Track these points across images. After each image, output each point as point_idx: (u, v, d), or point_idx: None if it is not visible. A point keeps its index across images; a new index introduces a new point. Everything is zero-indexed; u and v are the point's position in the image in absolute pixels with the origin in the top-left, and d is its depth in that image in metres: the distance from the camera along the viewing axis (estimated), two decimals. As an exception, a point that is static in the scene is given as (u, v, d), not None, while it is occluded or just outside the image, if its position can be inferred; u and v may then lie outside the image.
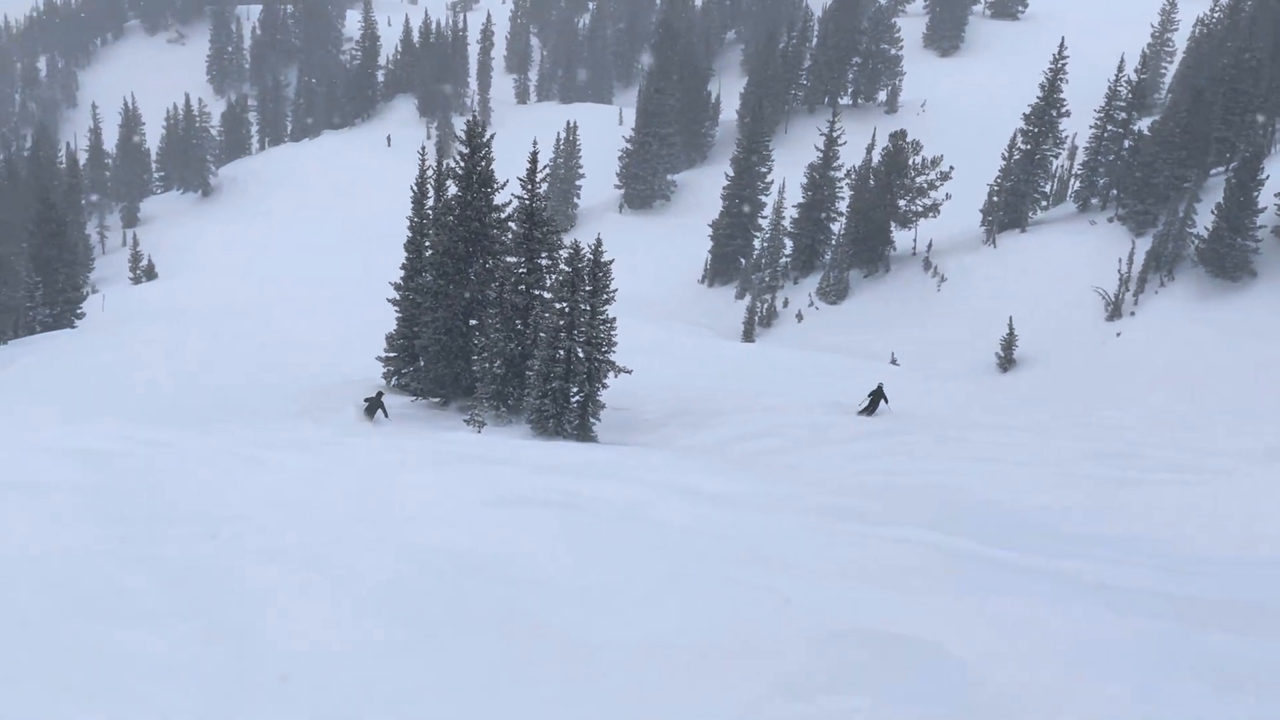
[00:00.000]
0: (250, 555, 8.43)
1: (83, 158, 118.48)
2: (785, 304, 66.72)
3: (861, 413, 31.28)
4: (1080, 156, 69.11)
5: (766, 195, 78.84)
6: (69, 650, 6.07)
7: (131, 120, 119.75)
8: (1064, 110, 63.98)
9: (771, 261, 72.44)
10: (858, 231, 66.31)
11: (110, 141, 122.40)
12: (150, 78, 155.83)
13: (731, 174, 79.53)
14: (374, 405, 30.58)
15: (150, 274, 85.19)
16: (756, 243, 77.46)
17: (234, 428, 23.87)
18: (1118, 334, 49.15)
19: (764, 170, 79.68)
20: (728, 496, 13.70)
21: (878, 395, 31.62)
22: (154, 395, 33.91)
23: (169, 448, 14.83)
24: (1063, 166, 75.27)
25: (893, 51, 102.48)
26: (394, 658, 6.56)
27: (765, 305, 66.28)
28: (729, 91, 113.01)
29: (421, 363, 34.28)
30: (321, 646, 6.62)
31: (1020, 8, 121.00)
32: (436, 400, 33.86)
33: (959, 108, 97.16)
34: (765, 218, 77.13)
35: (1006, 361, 48.94)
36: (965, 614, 8.15)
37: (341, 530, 9.70)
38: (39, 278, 62.61)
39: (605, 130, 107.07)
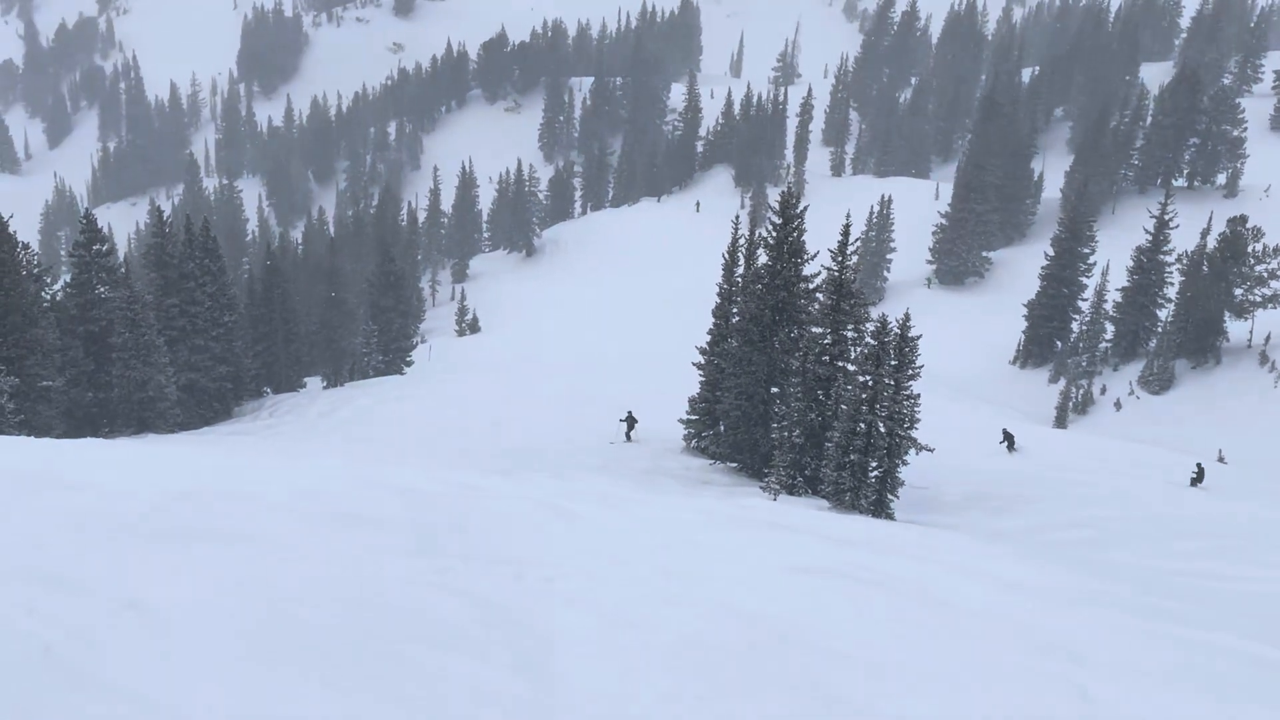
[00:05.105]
0: (555, 598, 8.80)
1: (422, 216, 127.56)
2: (1103, 391, 63.74)
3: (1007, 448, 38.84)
4: None
5: (1088, 277, 75.77)
6: (393, 667, 6.62)
7: (468, 183, 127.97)
8: None
9: (1090, 346, 69.51)
10: (1187, 319, 62.59)
11: (447, 202, 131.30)
12: (487, 143, 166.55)
13: (1052, 253, 76.87)
14: (630, 423, 36.59)
15: (474, 327, 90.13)
16: (1075, 325, 74.45)
17: (541, 478, 24.92)
18: None
19: (1087, 251, 76.57)
20: (1029, 586, 13.20)
21: (1009, 439, 38.49)
22: (469, 441, 36.00)
23: (483, 492, 15.61)
24: None
25: (1235, 133, 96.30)
26: (689, 713, 6.70)
27: (1081, 391, 63.53)
28: (1053, 169, 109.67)
29: (722, 427, 34.70)
30: (618, 692, 6.85)
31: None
32: (733, 465, 34.16)
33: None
34: (1085, 300, 74.13)
35: (1352, 468, 44.87)
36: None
37: (642, 583, 9.97)
38: (375, 326, 67.69)
39: (919, 204, 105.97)
